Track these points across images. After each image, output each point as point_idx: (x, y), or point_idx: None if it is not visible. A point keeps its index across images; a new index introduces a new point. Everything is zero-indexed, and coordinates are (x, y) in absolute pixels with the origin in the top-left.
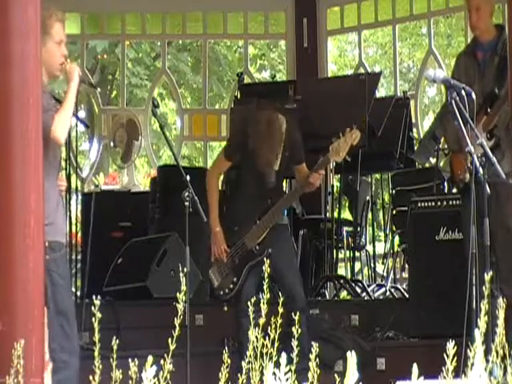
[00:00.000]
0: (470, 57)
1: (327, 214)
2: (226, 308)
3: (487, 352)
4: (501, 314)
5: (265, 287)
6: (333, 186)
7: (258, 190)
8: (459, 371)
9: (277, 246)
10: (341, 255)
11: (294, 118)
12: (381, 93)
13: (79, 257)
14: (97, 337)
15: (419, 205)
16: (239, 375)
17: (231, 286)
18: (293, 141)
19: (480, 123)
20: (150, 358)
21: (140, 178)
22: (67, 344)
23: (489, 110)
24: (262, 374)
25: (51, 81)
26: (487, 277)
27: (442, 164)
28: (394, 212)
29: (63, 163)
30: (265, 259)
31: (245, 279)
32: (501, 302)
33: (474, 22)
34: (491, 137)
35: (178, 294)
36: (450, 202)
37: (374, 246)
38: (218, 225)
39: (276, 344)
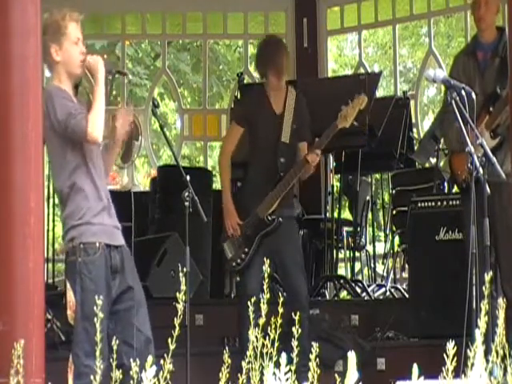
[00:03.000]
0: (469, 57)
1: (327, 214)
2: (238, 278)
3: (487, 352)
4: (501, 314)
5: (265, 287)
6: (333, 186)
7: (270, 165)
8: (459, 371)
9: (284, 240)
10: (341, 255)
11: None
12: (381, 93)
13: None
14: (98, 337)
15: (419, 205)
16: (239, 375)
17: (242, 255)
18: (301, 115)
19: (482, 122)
20: (150, 358)
21: (140, 178)
22: (92, 349)
23: (491, 108)
24: (262, 373)
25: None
26: (487, 277)
27: (442, 164)
28: (394, 212)
29: None
30: (272, 253)
31: (256, 248)
32: (501, 302)
33: (483, 13)
34: (495, 136)
35: (177, 293)
36: (450, 202)
37: (374, 246)
38: (231, 201)
39: (276, 344)
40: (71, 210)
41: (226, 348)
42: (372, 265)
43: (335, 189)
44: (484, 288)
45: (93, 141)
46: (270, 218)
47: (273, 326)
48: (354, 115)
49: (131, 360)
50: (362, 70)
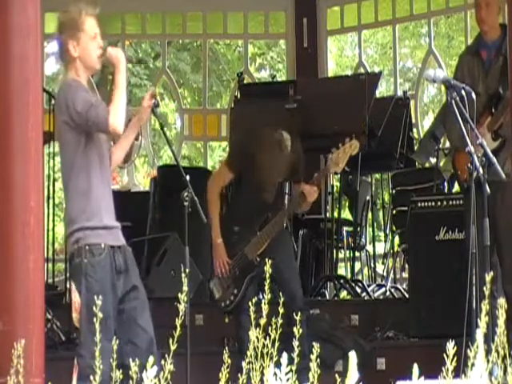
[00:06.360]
0: (473, 56)
1: (327, 214)
2: (226, 320)
3: (487, 352)
4: (501, 313)
5: (266, 288)
6: (333, 186)
7: (258, 202)
8: (459, 371)
9: (277, 248)
10: (341, 255)
11: (296, 133)
12: (381, 93)
13: None
14: (98, 337)
15: (419, 205)
16: (239, 375)
17: (232, 297)
18: (294, 159)
19: (485, 123)
20: (151, 358)
21: (140, 178)
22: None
23: (493, 110)
24: (262, 374)
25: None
26: (487, 277)
27: (442, 164)
28: (394, 212)
29: None
30: (265, 267)
31: (245, 290)
32: (501, 302)
33: (484, 16)
34: (496, 137)
35: (178, 293)
36: (450, 202)
37: (374, 246)
38: (220, 237)
39: (276, 344)
40: (76, 212)
41: (226, 348)
42: (372, 265)
43: (335, 189)
44: (484, 288)
45: (114, 131)
46: (258, 260)
47: (273, 327)
48: (346, 161)
49: (136, 360)
50: (362, 70)
